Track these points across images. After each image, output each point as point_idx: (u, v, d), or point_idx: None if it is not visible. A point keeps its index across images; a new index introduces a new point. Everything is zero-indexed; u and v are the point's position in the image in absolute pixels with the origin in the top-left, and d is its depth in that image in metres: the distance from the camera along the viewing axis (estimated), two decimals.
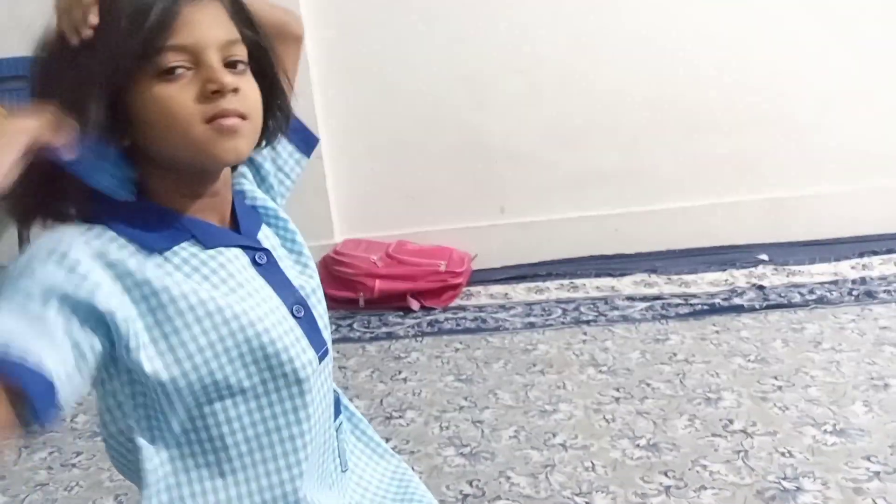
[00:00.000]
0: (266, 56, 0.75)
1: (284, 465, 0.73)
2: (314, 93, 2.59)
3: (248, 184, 0.82)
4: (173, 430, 0.69)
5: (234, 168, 0.80)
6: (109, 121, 0.66)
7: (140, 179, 0.71)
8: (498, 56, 2.60)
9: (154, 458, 0.69)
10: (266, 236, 0.79)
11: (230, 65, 0.69)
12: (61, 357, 0.60)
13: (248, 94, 0.70)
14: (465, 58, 2.61)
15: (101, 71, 0.65)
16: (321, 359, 0.76)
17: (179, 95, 0.66)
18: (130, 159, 0.70)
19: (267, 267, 0.75)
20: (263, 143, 0.78)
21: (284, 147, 0.86)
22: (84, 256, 0.65)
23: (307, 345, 0.74)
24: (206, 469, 0.71)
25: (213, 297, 0.68)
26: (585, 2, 2.55)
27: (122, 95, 0.66)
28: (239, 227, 0.76)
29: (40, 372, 0.58)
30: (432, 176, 2.71)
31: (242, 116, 0.69)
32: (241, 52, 0.71)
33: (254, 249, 0.75)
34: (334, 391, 0.83)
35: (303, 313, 0.75)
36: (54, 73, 0.68)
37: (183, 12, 0.66)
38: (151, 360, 0.66)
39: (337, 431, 0.83)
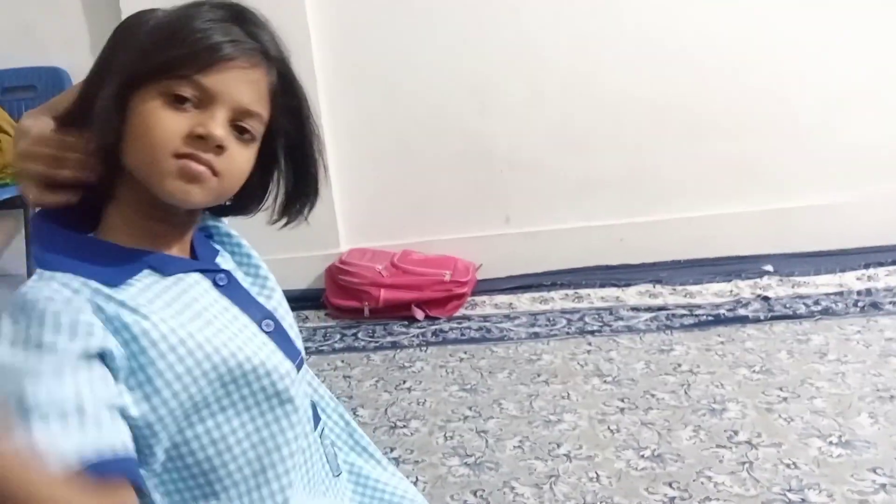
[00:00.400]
0: (303, 147, 0.77)
1: (273, 476, 0.73)
2: (320, 101, 2.60)
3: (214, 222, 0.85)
4: (159, 459, 0.69)
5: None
6: (114, 113, 0.68)
7: (102, 216, 0.73)
8: (503, 65, 2.61)
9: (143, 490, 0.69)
10: (226, 260, 0.80)
11: (237, 129, 0.70)
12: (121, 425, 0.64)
13: (234, 157, 0.70)
14: (470, 66, 2.62)
15: (131, 61, 0.68)
16: (298, 368, 0.77)
17: (171, 122, 0.67)
18: (96, 190, 0.72)
19: (229, 287, 0.76)
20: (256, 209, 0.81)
21: None
22: (87, 314, 0.65)
23: (282, 357, 0.75)
24: (198, 490, 0.70)
25: (181, 324, 0.68)
26: (590, 9, 2.55)
27: (131, 92, 0.68)
28: (196, 255, 0.78)
29: (128, 457, 0.62)
30: (437, 185, 2.72)
31: (214, 172, 0.69)
32: (255, 126, 0.72)
33: (213, 272, 0.76)
34: (311, 399, 0.84)
35: (272, 327, 0.76)
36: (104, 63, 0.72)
37: (226, 61, 0.68)
38: (132, 390, 0.66)
39: (321, 437, 0.83)
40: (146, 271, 0.71)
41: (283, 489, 0.73)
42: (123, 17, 0.75)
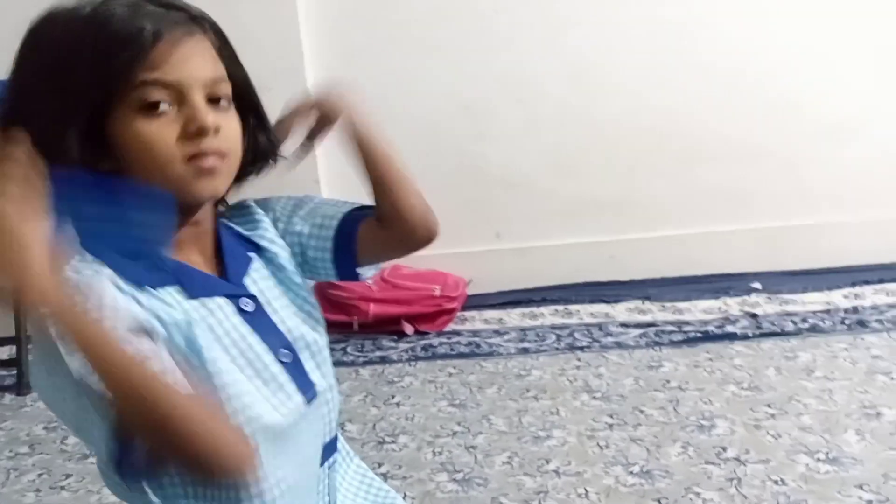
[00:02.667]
0: (251, 91, 0.75)
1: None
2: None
3: (266, 223, 0.82)
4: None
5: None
6: (87, 148, 0.65)
7: None
8: (497, 85, 2.63)
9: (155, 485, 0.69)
10: (255, 279, 0.77)
11: (213, 100, 0.69)
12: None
13: (229, 132, 0.70)
14: (464, 87, 2.63)
15: (80, 97, 0.64)
16: (309, 402, 0.75)
17: (161, 133, 0.66)
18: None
19: (253, 314, 0.74)
20: (249, 172, 0.78)
21: (322, 254, 0.83)
22: (113, 295, 0.64)
23: (294, 390, 0.73)
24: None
25: (206, 347, 0.68)
26: (583, 33, 2.58)
27: (101, 122, 0.66)
28: (225, 268, 0.75)
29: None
30: (429, 201, 2.71)
31: (222, 155, 0.69)
32: (225, 89, 0.71)
33: (238, 297, 0.74)
34: (334, 430, 0.83)
35: (290, 358, 0.75)
36: (29, 98, 0.66)
37: (168, 47, 0.66)
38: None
39: (329, 470, 0.82)
40: (175, 287, 0.70)
41: None
42: None
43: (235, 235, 0.80)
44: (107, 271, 0.66)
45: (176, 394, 0.60)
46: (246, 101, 0.75)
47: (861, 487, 1.48)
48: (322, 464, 0.80)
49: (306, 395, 0.74)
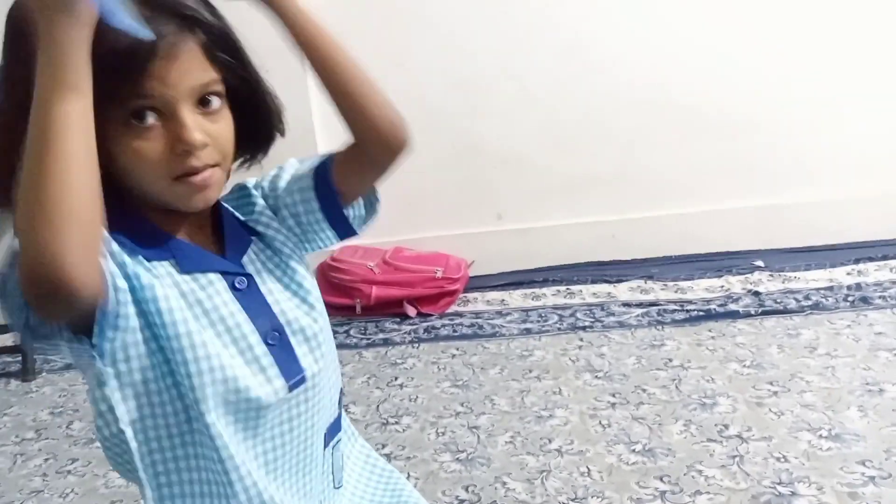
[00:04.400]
0: (248, 83, 0.73)
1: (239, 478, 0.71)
2: (311, 100, 2.59)
3: (260, 206, 0.81)
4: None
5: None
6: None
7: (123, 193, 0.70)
8: (492, 62, 2.61)
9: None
10: (253, 259, 0.76)
11: (203, 102, 0.68)
12: None
13: (219, 138, 0.69)
14: (459, 65, 2.62)
15: None
16: (294, 386, 0.74)
17: (149, 148, 0.65)
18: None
19: (245, 292, 0.73)
20: (246, 161, 0.78)
21: (313, 215, 0.81)
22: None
23: (276, 374, 0.72)
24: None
25: (184, 319, 0.68)
26: (579, 8, 2.56)
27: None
28: (224, 245, 0.75)
29: None
30: (429, 183, 2.71)
31: (213, 166, 0.68)
32: (215, 88, 0.69)
33: (233, 275, 0.73)
34: (338, 410, 0.82)
35: (277, 340, 0.74)
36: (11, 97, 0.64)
37: (158, 65, 0.63)
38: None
39: (333, 450, 0.82)
40: (168, 262, 0.69)
41: (247, 488, 0.71)
42: None
43: (235, 217, 0.79)
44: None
45: (86, 154, 0.57)
46: (245, 88, 0.73)
47: (863, 464, 1.48)
48: (325, 445, 0.80)
49: (289, 381, 0.73)
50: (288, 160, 0.84)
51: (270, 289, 0.76)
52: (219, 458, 0.69)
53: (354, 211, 0.82)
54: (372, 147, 0.78)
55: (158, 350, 0.67)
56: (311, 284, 0.80)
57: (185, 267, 0.71)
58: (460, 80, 2.62)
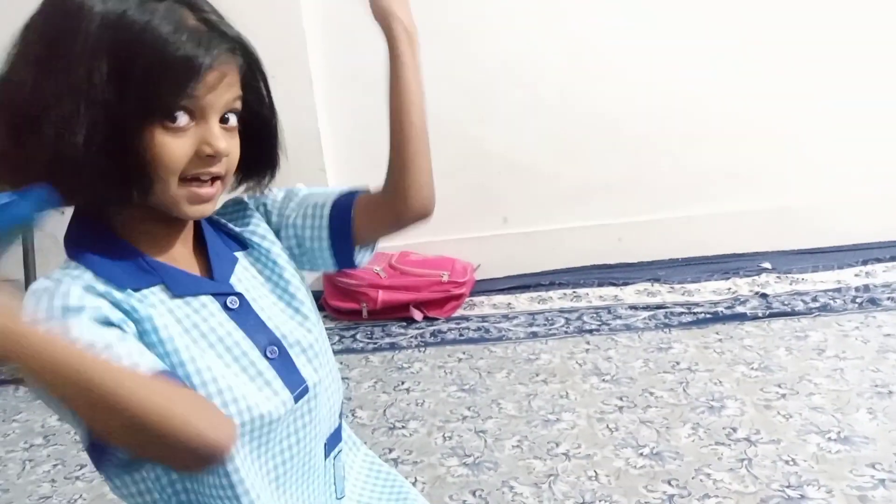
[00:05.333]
0: (264, 113, 0.75)
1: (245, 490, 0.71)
2: (317, 105, 2.60)
3: (256, 218, 0.82)
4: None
5: None
6: (95, 145, 0.64)
7: (109, 216, 0.71)
8: (500, 69, 2.62)
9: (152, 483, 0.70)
10: (241, 278, 0.77)
11: (224, 120, 0.70)
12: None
13: (232, 154, 0.71)
14: (468, 71, 2.62)
15: (110, 107, 0.63)
16: (299, 397, 0.74)
17: (177, 149, 0.67)
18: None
19: (238, 311, 0.74)
20: (247, 183, 0.79)
21: (319, 243, 0.83)
22: (81, 294, 0.64)
23: (280, 386, 0.73)
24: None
25: (185, 346, 0.68)
26: (586, 15, 2.56)
27: (124, 133, 0.65)
28: (211, 266, 0.75)
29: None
30: (436, 187, 2.71)
31: (219, 179, 0.71)
32: (237, 107, 0.72)
33: (225, 295, 0.74)
34: (339, 421, 0.83)
35: (277, 353, 0.74)
36: (40, 86, 0.64)
37: (209, 79, 0.66)
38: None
39: (335, 460, 0.82)
40: (159, 286, 0.71)
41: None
42: None
43: (221, 233, 0.80)
44: (87, 276, 0.67)
45: (150, 396, 0.58)
46: (261, 117, 0.75)
47: (873, 466, 1.47)
48: (327, 456, 0.81)
49: (294, 391, 0.74)
50: (297, 186, 0.86)
51: (262, 305, 0.77)
52: (229, 483, 0.69)
53: (363, 255, 0.84)
54: (402, 207, 0.81)
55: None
56: (304, 295, 0.81)
57: (177, 291, 0.71)
58: (469, 86, 2.63)
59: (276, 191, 0.84)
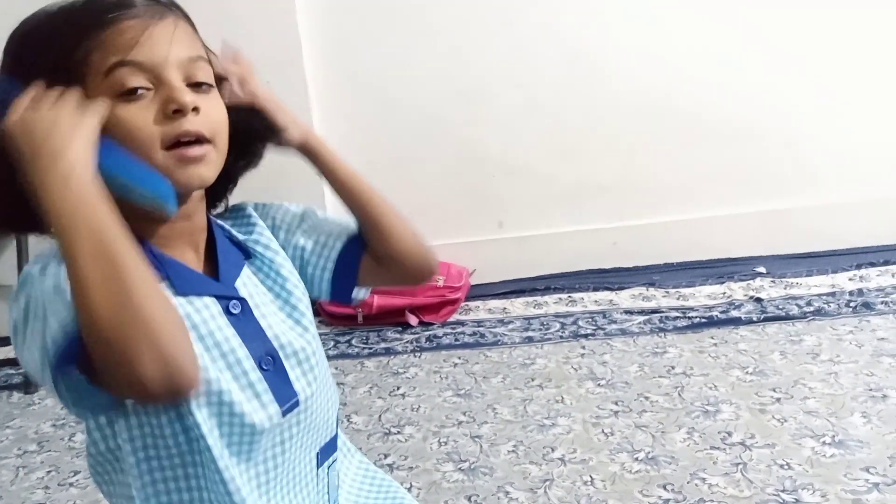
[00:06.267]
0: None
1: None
2: (312, 108, 2.60)
3: (260, 227, 0.81)
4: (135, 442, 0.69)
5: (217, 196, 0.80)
6: None
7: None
8: (496, 70, 2.62)
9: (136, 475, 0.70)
10: (246, 282, 0.76)
11: (194, 85, 0.68)
12: None
13: (210, 113, 0.69)
14: (462, 72, 2.62)
15: (49, 82, 0.64)
16: (288, 411, 0.74)
17: (139, 116, 0.65)
18: None
19: (240, 317, 0.73)
20: (242, 164, 0.78)
21: (322, 273, 0.83)
22: None
23: (269, 399, 0.72)
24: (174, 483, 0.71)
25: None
26: (582, 16, 2.56)
27: None
28: (217, 268, 0.74)
29: None
30: (430, 191, 2.72)
31: (205, 139, 0.68)
32: (205, 72, 0.70)
33: (227, 298, 0.73)
34: (335, 430, 0.83)
35: (272, 365, 0.73)
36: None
37: (135, 26, 0.65)
38: None
39: (329, 469, 0.82)
40: (164, 283, 0.69)
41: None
42: None
43: (229, 237, 0.79)
44: None
45: (153, 282, 0.58)
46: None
47: (867, 470, 1.48)
48: (319, 465, 0.80)
49: (282, 406, 0.73)
50: (312, 208, 0.85)
51: (264, 312, 0.76)
52: (221, 479, 0.69)
53: (360, 293, 0.84)
54: (399, 274, 0.82)
55: None
56: (305, 307, 0.80)
57: (181, 289, 0.70)
58: (463, 88, 2.63)
59: (288, 206, 0.84)
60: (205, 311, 0.71)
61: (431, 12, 2.59)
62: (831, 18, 2.52)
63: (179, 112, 0.65)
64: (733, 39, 2.54)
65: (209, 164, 0.69)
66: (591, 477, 1.56)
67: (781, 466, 1.52)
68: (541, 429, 1.77)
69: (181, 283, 0.70)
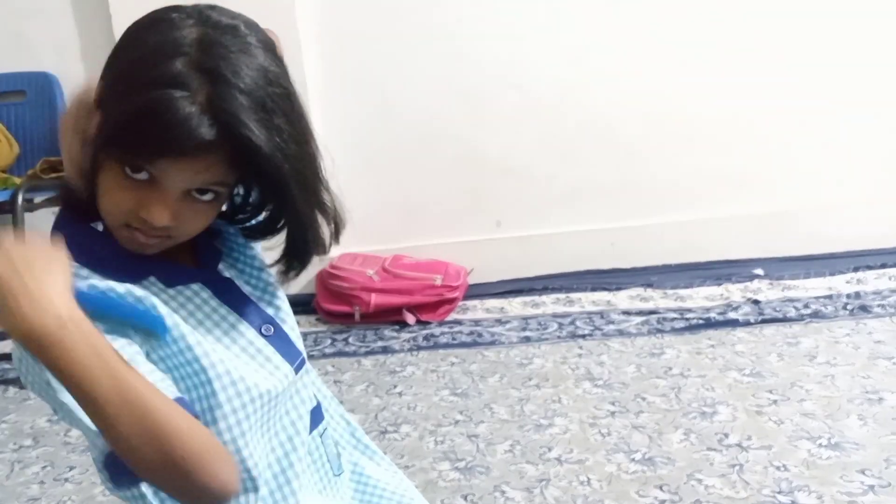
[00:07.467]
0: (283, 184, 0.70)
1: (288, 479, 0.76)
2: (311, 108, 2.59)
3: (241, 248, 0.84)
4: None
5: None
6: (89, 166, 0.67)
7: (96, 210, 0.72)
8: (494, 71, 2.62)
9: None
10: (225, 267, 0.80)
11: (201, 192, 0.69)
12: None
13: (187, 222, 0.70)
14: (461, 73, 2.62)
15: (101, 126, 0.67)
16: (298, 368, 0.79)
17: (120, 198, 0.67)
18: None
19: (229, 295, 0.77)
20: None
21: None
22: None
23: (280, 361, 0.76)
24: None
25: (189, 331, 0.70)
26: (581, 18, 2.57)
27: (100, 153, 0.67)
28: (199, 257, 0.78)
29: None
30: (429, 190, 2.72)
31: (163, 237, 0.70)
32: (219, 190, 0.69)
33: (214, 281, 0.77)
34: (316, 398, 0.85)
35: (272, 331, 0.78)
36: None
37: (176, 154, 0.64)
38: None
39: (322, 437, 0.84)
40: (151, 278, 0.73)
41: (294, 492, 0.76)
42: (114, 23, 0.74)
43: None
44: (83, 272, 0.68)
45: (178, 429, 0.60)
46: (282, 209, 0.75)
47: (863, 472, 1.48)
48: (311, 431, 0.82)
49: (293, 363, 0.78)
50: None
51: (248, 291, 0.80)
52: (240, 458, 0.72)
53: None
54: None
55: (168, 368, 0.70)
56: (282, 296, 0.83)
57: (170, 282, 0.74)
58: (461, 88, 2.63)
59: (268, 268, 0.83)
60: (196, 298, 0.75)
61: (431, 13, 2.59)
62: (828, 21, 2.52)
63: (146, 222, 0.68)
64: (731, 43, 2.55)
65: (156, 248, 0.71)
66: (587, 477, 1.56)
67: (778, 468, 1.52)
68: (537, 429, 1.77)
69: (168, 276, 0.74)
